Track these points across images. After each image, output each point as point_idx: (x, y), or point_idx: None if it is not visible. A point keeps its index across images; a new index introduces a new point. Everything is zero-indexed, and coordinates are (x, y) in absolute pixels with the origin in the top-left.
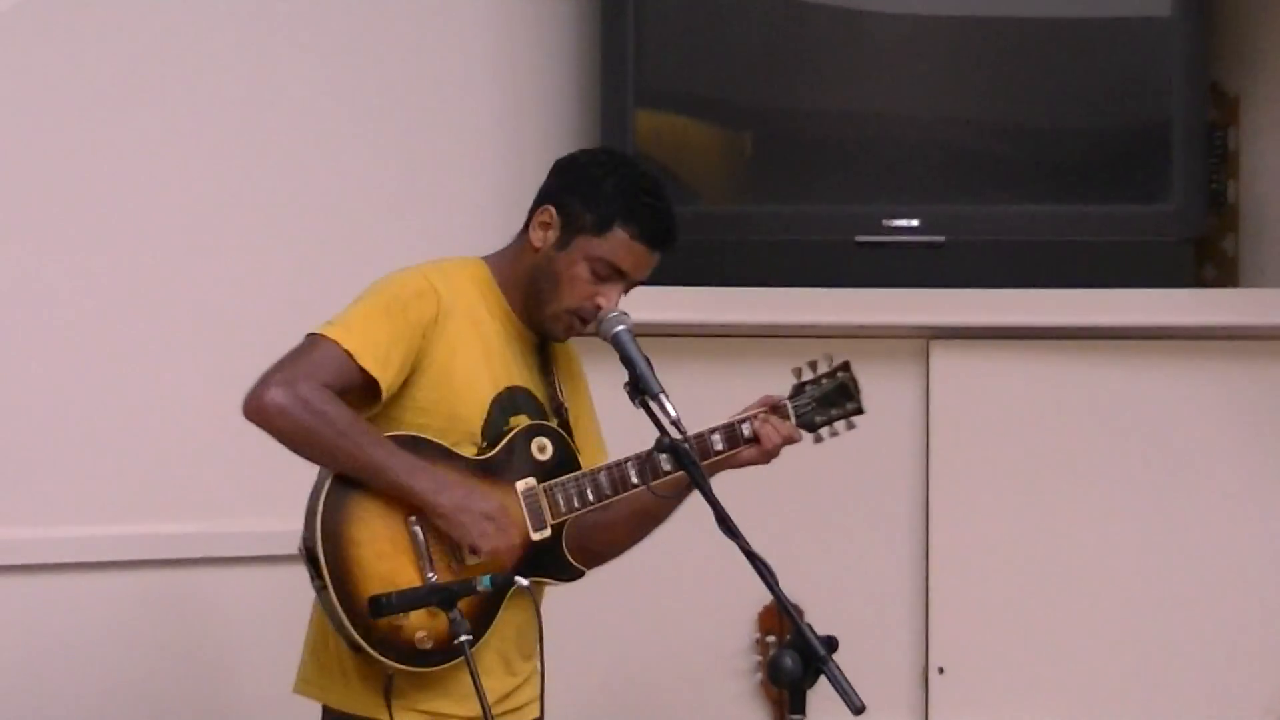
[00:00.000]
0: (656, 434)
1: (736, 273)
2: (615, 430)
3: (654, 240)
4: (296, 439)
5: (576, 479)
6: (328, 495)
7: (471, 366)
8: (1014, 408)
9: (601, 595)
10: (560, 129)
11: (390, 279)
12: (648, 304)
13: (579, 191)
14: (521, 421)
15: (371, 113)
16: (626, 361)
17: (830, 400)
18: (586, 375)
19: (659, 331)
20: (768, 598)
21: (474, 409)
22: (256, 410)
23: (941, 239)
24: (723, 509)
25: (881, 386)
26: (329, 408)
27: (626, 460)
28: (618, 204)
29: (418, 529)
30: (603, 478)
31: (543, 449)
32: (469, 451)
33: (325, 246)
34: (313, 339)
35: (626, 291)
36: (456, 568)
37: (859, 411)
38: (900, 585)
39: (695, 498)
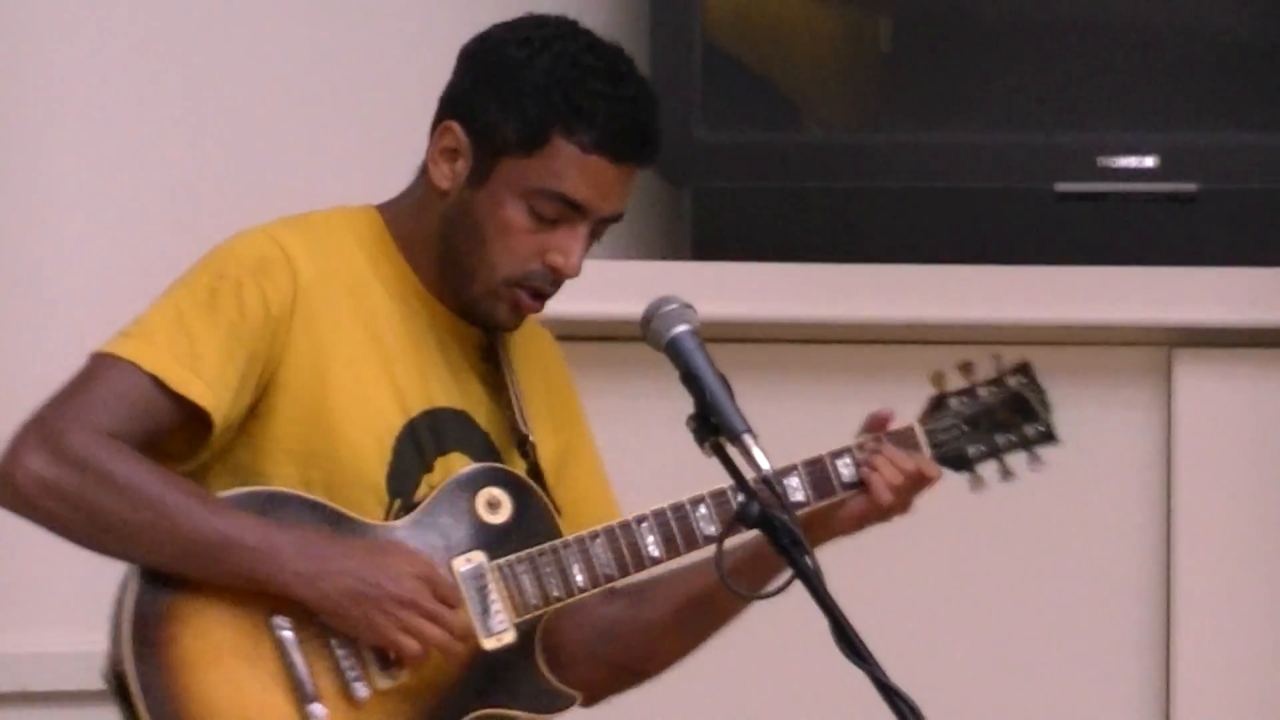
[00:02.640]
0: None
1: (863, 240)
2: (667, 487)
3: (620, 146)
4: (75, 525)
5: (554, 551)
6: (140, 595)
7: (360, 380)
8: None
9: None
10: (585, 10)
11: (219, 248)
12: (722, 289)
13: (493, 90)
14: (456, 464)
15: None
16: (691, 381)
17: (995, 419)
18: (576, 386)
19: (740, 335)
20: None
21: (371, 450)
22: (9, 494)
23: (1193, 188)
24: (843, 617)
25: (1101, 415)
26: (118, 465)
27: (640, 519)
28: (555, 100)
29: (286, 633)
30: (599, 549)
31: (494, 505)
32: (374, 517)
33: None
34: (96, 362)
35: (596, 237)
36: (359, 693)
37: (1048, 438)
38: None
39: (794, 588)
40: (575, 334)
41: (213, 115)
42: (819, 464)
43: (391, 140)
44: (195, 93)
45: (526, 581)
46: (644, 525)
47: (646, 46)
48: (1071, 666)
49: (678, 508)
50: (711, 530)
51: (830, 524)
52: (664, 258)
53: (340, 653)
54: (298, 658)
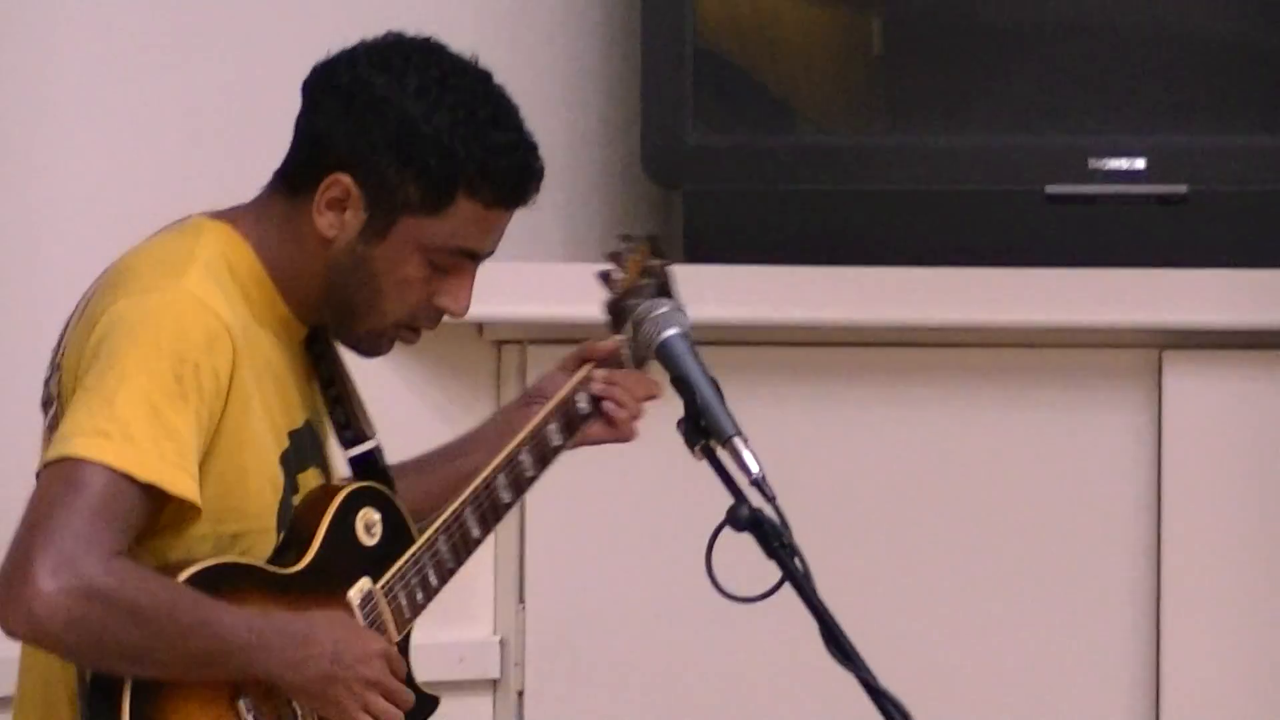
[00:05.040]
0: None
1: (855, 243)
2: (658, 490)
3: (518, 196)
4: (93, 654)
5: (415, 562)
6: (133, 700)
7: (261, 426)
8: None
9: None
10: (576, 12)
11: (154, 319)
12: (713, 292)
13: (390, 147)
14: (312, 479)
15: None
16: (681, 384)
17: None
18: None
19: (731, 337)
20: None
21: (267, 497)
22: (28, 626)
23: (1183, 189)
24: (832, 620)
25: (1092, 418)
26: (138, 594)
27: (458, 511)
28: (461, 161)
29: (250, 715)
30: (442, 545)
31: (370, 527)
32: (264, 552)
33: None
34: (73, 469)
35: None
36: None
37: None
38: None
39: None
40: (567, 336)
41: (211, 112)
42: (565, 406)
43: None
44: (193, 90)
45: (402, 597)
46: (466, 511)
47: (638, 49)
48: (1062, 670)
49: (487, 484)
50: (507, 498)
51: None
52: None
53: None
54: None
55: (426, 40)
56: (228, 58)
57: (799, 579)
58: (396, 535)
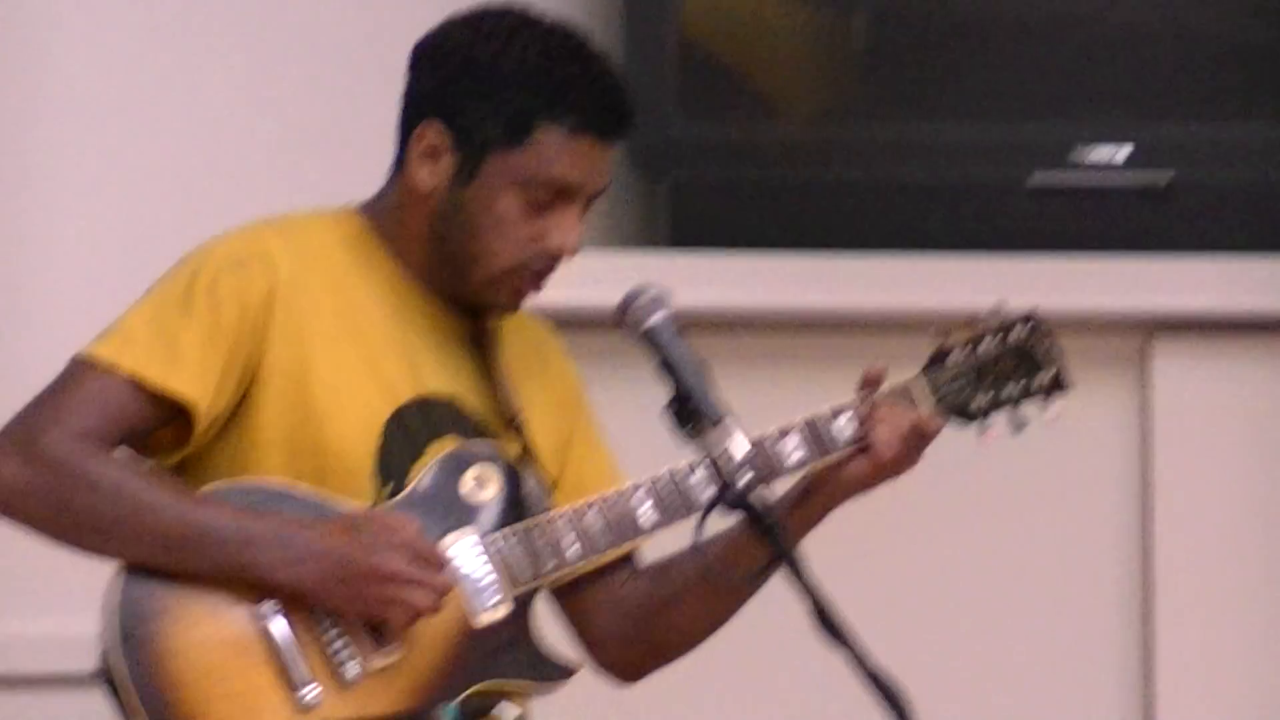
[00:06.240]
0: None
1: (839, 231)
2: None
3: (604, 123)
4: (53, 525)
5: (546, 524)
6: (126, 591)
7: (344, 371)
8: (1274, 432)
9: None
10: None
11: (198, 248)
12: (699, 278)
13: (469, 87)
14: (449, 447)
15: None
16: (668, 369)
17: (1002, 370)
18: (576, 369)
19: (717, 320)
20: None
21: (357, 438)
22: None
23: (1168, 177)
24: (824, 599)
25: (1079, 404)
26: (92, 464)
27: (636, 487)
28: (535, 89)
29: (274, 618)
30: (592, 519)
31: (482, 482)
32: (366, 503)
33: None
34: (74, 366)
35: (584, 212)
36: (350, 673)
37: (1058, 386)
38: (1112, 702)
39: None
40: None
41: (209, 115)
42: (817, 422)
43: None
44: (191, 93)
45: (519, 554)
46: (638, 493)
47: (622, 41)
48: (1050, 657)
49: (673, 473)
50: (706, 495)
51: (837, 485)
52: (641, 249)
53: (331, 634)
54: (287, 642)
55: (511, 2)
56: (227, 63)
57: (791, 556)
58: (524, 498)
